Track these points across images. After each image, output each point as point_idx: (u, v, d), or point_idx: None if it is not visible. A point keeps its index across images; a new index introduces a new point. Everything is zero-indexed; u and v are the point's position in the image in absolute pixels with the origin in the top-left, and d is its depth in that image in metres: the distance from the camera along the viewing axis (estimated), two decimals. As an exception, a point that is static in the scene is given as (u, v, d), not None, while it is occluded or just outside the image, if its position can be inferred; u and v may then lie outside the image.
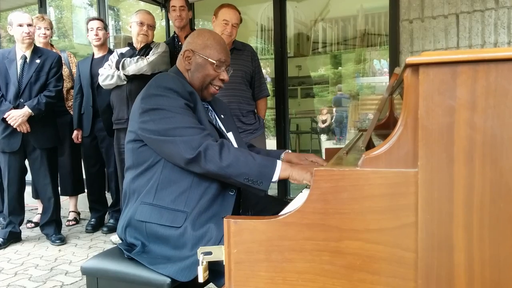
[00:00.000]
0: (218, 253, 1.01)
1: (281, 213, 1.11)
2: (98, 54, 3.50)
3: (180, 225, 1.34)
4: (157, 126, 1.37)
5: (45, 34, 3.55)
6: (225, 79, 1.58)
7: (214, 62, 1.54)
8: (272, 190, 3.89)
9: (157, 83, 1.45)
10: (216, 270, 1.19)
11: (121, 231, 1.48)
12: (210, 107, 1.66)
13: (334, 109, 5.31)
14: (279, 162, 1.35)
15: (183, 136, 1.33)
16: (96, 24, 3.44)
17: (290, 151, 1.75)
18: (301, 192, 1.38)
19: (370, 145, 1.71)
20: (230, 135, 1.62)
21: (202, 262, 1.02)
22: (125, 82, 3.00)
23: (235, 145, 1.60)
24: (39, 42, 3.51)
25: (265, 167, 1.33)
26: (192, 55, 1.55)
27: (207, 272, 1.06)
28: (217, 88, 1.59)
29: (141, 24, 3.04)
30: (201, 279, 1.05)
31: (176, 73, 1.57)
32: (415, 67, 0.85)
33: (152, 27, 3.10)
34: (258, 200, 1.65)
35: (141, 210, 1.41)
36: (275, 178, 1.33)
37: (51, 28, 3.65)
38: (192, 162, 1.32)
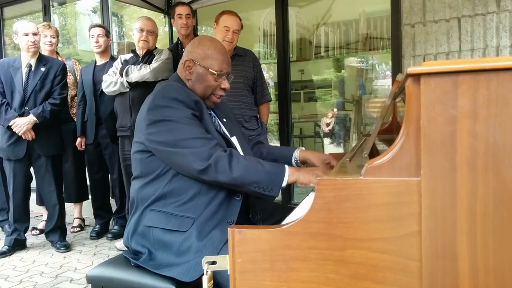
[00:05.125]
0: (223, 262, 1.01)
1: (286, 220, 1.11)
2: (100, 61, 3.52)
3: (187, 229, 1.36)
4: (165, 138, 1.38)
5: (51, 42, 3.58)
6: (226, 88, 1.58)
7: (215, 72, 1.53)
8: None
9: (162, 93, 1.44)
10: (218, 284, 1.20)
11: (128, 238, 1.48)
12: (212, 113, 1.66)
13: (337, 113, 5.31)
14: (287, 168, 1.38)
15: (192, 148, 1.34)
16: (97, 31, 3.45)
17: (303, 148, 1.75)
18: (307, 196, 1.39)
19: (373, 151, 1.70)
20: (234, 139, 1.62)
21: (207, 271, 1.03)
22: (128, 90, 3.02)
23: (239, 149, 1.60)
24: (45, 50, 3.54)
25: (275, 174, 1.36)
26: (193, 65, 1.54)
27: (212, 282, 1.06)
28: (218, 97, 1.59)
29: (141, 30, 3.06)
30: (206, 289, 1.05)
31: (177, 81, 1.57)
32: (417, 76, 0.86)
33: (152, 33, 3.11)
34: (266, 205, 1.66)
35: (149, 216, 1.42)
36: (284, 184, 1.36)
37: (57, 36, 3.68)
38: (202, 173, 1.33)
